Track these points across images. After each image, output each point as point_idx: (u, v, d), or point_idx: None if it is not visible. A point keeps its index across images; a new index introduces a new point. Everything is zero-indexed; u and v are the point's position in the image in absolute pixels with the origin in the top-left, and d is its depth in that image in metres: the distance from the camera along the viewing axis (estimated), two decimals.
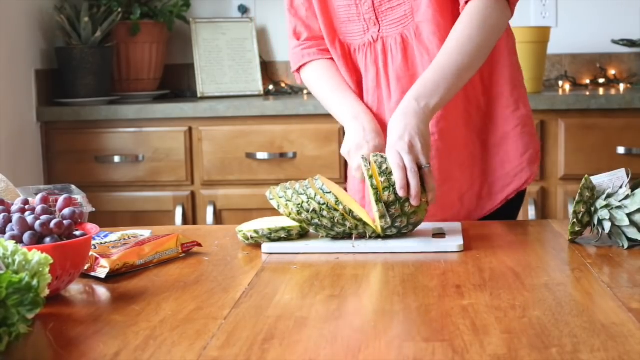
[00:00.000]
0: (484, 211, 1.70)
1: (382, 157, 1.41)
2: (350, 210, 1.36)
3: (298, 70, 1.78)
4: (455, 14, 1.59)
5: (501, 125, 1.68)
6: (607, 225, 1.33)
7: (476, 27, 1.53)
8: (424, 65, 1.61)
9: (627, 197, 1.32)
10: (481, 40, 1.54)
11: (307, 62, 1.75)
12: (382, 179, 1.37)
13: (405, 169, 1.39)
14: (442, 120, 1.64)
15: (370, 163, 1.40)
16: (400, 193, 1.37)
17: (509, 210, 1.72)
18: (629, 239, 1.32)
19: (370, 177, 1.38)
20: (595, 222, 1.34)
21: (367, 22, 1.65)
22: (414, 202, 1.38)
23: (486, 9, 1.54)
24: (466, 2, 1.56)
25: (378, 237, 1.40)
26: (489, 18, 1.54)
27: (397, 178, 1.37)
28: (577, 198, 1.35)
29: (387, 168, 1.38)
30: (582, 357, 0.87)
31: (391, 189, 1.37)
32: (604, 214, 1.33)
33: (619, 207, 1.32)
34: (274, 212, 1.45)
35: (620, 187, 1.34)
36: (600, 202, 1.33)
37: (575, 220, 1.35)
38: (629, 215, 1.31)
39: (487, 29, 1.54)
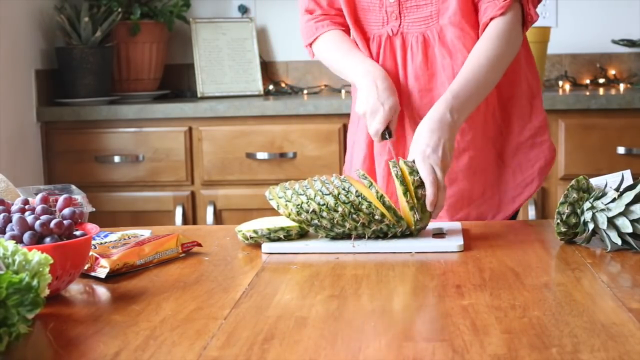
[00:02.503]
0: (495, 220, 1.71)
1: (410, 166, 1.43)
2: (386, 203, 1.37)
3: (310, 44, 1.78)
4: (478, 23, 1.63)
5: (515, 137, 1.71)
6: (591, 227, 1.32)
7: (504, 46, 1.58)
8: (444, 68, 1.63)
9: (613, 199, 1.31)
10: (507, 59, 1.60)
11: (320, 34, 1.75)
12: (414, 179, 1.41)
13: (437, 184, 1.41)
14: (469, 132, 1.67)
15: (398, 166, 1.41)
16: (430, 208, 1.40)
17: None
18: (612, 242, 1.31)
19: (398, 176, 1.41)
20: (581, 223, 1.34)
21: (387, 15, 1.66)
22: (434, 215, 1.42)
23: (512, 29, 1.60)
24: (491, 18, 1.59)
25: (379, 237, 1.40)
26: (513, 37, 1.60)
27: (430, 194, 1.40)
28: (561, 199, 1.35)
29: (415, 175, 1.41)
30: (582, 357, 0.87)
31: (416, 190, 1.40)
32: (588, 216, 1.32)
33: (602, 210, 1.31)
34: (274, 212, 1.45)
35: (617, 188, 1.34)
36: (587, 204, 1.33)
37: (559, 221, 1.35)
38: (610, 218, 1.30)
39: (512, 47, 1.61)
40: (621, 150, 2.80)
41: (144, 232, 1.47)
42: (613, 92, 2.99)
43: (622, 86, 3.18)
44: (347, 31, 1.74)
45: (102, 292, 1.19)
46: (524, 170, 1.71)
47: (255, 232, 1.39)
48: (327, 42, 1.75)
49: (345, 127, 2.87)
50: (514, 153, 1.71)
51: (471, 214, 1.70)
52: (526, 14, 1.62)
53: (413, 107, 1.67)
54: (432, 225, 1.50)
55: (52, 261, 1.01)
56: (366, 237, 1.39)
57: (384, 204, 1.37)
